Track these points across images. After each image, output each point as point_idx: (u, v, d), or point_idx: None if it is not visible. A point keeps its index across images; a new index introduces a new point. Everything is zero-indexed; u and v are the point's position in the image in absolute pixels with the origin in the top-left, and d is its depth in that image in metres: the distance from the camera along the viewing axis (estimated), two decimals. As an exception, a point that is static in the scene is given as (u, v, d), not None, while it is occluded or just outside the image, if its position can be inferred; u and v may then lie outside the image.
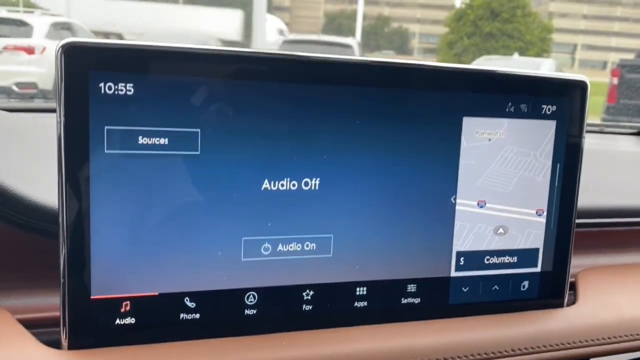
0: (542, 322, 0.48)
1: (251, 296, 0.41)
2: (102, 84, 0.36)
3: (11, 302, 0.43)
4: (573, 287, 0.54)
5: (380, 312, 0.44)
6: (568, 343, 0.47)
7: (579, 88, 0.47)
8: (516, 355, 0.45)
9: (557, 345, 0.47)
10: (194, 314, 0.40)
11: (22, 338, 0.38)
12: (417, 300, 0.45)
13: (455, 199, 0.45)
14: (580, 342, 0.47)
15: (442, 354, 0.43)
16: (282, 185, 0.41)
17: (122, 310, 0.39)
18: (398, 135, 0.43)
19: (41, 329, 0.40)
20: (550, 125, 0.47)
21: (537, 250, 0.48)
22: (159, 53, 0.37)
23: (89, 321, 0.38)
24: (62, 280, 0.37)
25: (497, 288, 0.48)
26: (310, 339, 0.41)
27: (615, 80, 4.43)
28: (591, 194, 0.62)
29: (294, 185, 0.41)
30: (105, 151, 0.37)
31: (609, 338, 0.48)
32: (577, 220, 0.49)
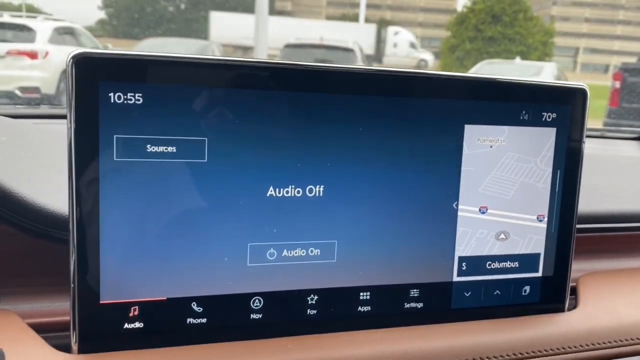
0: (543, 327, 0.48)
1: (257, 301, 0.42)
2: (111, 94, 0.37)
3: (22, 307, 0.44)
4: (574, 291, 0.55)
5: (383, 317, 0.45)
6: (569, 347, 0.47)
7: (579, 95, 0.48)
8: (518, 359, 0.46)
9: (558, 349, 0.47)
10: (201, 319, 0.41)
11: (33, 342, 0.38)
12: (419, 305, 0.46)
13: (457, 205, 0.46)
14: (581, 346, 0.48)
15: (444, 358, 0.44)
16: (287, 192, 0.41)
17: (131, 314, 0.39)
18: (401, 143, 0.44)
19: (51, 333, 0.41)
20: (551, 133, 0.48)
21: (538, 255, 0.49)
22: (166, 63, 0.38)
23: (98, 325, 0.39)
24: (71, 285, 0.38)
25: (499, 293, 0.48)
26: (315, 343, 0.42)
27: (617, 84, 4.43)
28: (592, 199, 0.62)
29: (298, 192, 0.42)
30: (115, 159, 0.38)
31: (609, 342, 0.49)
32: (578, 226, 0.50)
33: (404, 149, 0.44)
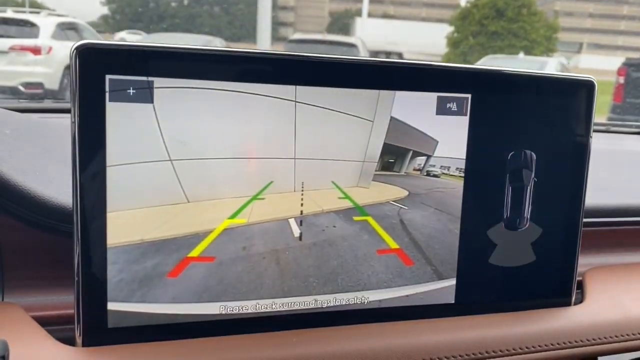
0: (549, 321, 0.48)
1: (262, 294, 0.42)
2: (117, 86, 0.36)
3: (26, 300, 0.44)
4: (580, 286, 0.54)
5: (388, 311, 0.45)
6: (575, 341, 0.47)
7: (587, 88, 0.48)
8: (524, 353, 0.45)
9: (564, 343, 0.47)
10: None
11: (37, 335, 0.38)
12: (424, 299, 0.46)
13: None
14: (587, 340, 0.48)
15: (449, 352, 0.43)
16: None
17: (135, 308, 0.39)
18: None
19: (56, 327, 0.40)
20: (559, 125, 0.47)
21: (544, 248, 0.49)
22: (173, 55, 0.38)
23: (103, 319, 0.39)
24: (76, 279, 0.38)
25: (504, 286, 0.48)
26: (319, 336, 0.42)
27: (622, 79, 4.42)
28: (598, 193, 0.62)
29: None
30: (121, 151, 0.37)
31: (615, 337, 0.49)
32: (585, 220, 0.49)
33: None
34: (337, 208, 0.42)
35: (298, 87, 0.40)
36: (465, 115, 0.44)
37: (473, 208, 0.46)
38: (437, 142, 0.44)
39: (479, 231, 0.46)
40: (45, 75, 4.72)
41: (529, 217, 0.47)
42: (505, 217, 0.47)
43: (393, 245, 0.44)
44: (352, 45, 7.49)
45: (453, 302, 0.47)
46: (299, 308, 0.42)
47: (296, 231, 0.42)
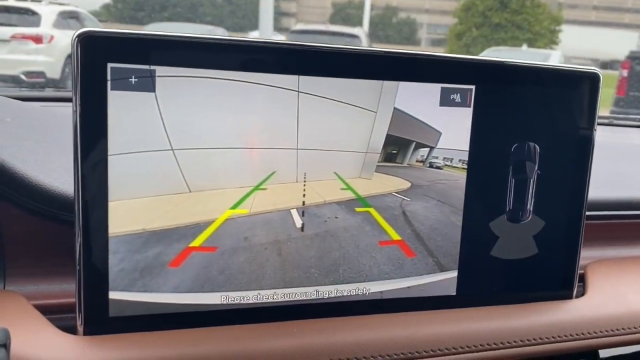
0: (550, 313, 0.48)
1: (263, 285, 0.42)
2: (119, 74, 0.36)
3: (28, 289, 0.44)
4: (582, 279, 0.54)
5: (389, 302, 0.45)
6: (576, 334, 0.47)
7: (591, 80, 0.47)
8: (525, 346, 0.45)
9: (565, 336, 0.47)
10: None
11: (38, 324, 0.38)
12: (425, 290, 0.46)
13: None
14: (588, 333, 0.48)
15: (450, 343, 0.43)
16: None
17: (137, 297, 0.39)
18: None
19: (57, 315, 0.40)
20: (562, 118, 0.47)
21: (547, 241, 0.49)
22: (176, 43, 0.37)
23: (104, 308, 0.39)
24: (77, 268, 0.38)
25: (506, 278, 0.48)
26: (321, 327, 0.42)
27: (625, 73, 4.40)
28: (601, 186, 0.61)
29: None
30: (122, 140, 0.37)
31: (617, 330, 0.49)
32: (587, 213, 0.49)
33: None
34: (339, 199, 0.42)
35: (301, 77, 0.40)
36: (469, 106, 0.44)
37: (475, 200, 0.46)
38: (440, 133, 0.44)
39: (481, 223, 0.46)
40: (46, 64, 4.70)
41: (531, 209, 0.47)
42: (507, 209, 0.47)
43: (395, 236, 0.44)
44: (354, 36, 7.46)
45: (454, 294, 0.47)
46: (300, 299, 0.42)
47: (298, 222, 0.41)
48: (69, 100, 0.36)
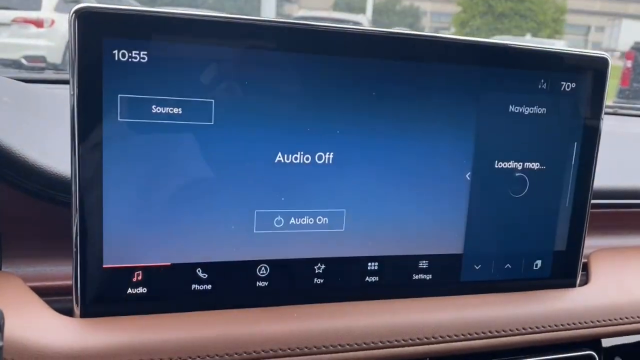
0: (554, 302, 0.47)
1: (263, 268, 0.41)
2: (115, 51, 0.35)
3: (24, 270, 0.43)
4: (585, 267, 0.54)
5: (391, 288, 0.44)
6: (580, 323, 0.47)
7: (599, 65, 0.46)
8: (527, 333, 0.45)
9: (568, 324, 0.46)
10: (206, 285, 0.40)
11: (34, 305, 0.38)
12: (428, 277, 0.45)
13: (470, 175, 0.45)
14: (591, 322, 0.47)
15: (452, 330, 0.43)
16: (296, 158, 0.40)
17: (134, 279, 0.39)
18: (414, 110, 0.42)
19: (54, 297, 0.40)
20: (569, 104, 0.46)
21: (551, 229, 0.48)
22: (173, 20, 0.36)
23: (101, 290, 0.38)
24: (74, 249, 0.37)
25: (510, 266, 0.47)
26: (321, 312, 0.41)
27: (629, 63, 4.37)
28: (605, 175, 0.61)
29: (307, 159, 0.40)
30: (119, 119, 0.36)
31: (620, 319, 0.48)
32: (592, 201, 0.48)
33: (416, 117, 0.42)
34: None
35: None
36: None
37: (481, 188, 0.45)
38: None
39: (487, 205, 0.46)
40: (48, 48, 4.66)
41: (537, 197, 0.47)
42: (512, 191, 0.46)
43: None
44: (357, 24, 7.42)
45: (458, 280, 0.46)
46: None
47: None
48: (68, 82, 0.35)
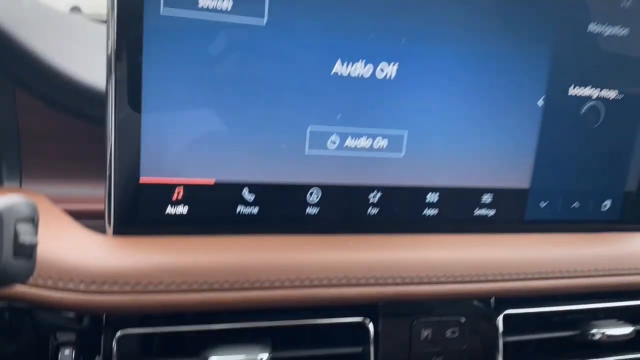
0: (622, 245, 0.43)
1: (314, 193, 0.37)
2: None
3: (46, 191, 0.39)
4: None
5: (450, 223, 0.40)
6: (649, 268, 0.43)
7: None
8: (596, 276, 0.41)
9: (636, 269, 0.42)
10: (252, 208, 0.36)
11: (62, 221, 0.34)
12: (491, 213, 0.41)
13: (543, 101, 0.40)
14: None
15: (514, 269, 0.39)
16: (356, 69, 0.36)
17: (174, 197, 0.34)
18: (488, 22, 0.37)
19: (86, 220, 0.36)
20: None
21: (623, 168, 0.44)
22: None
23: (136, 207, 0.34)
24: (108, 159, 0.33)
25: (577, 205, 0.43)
26: (376, 242, 0.37)
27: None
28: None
29: (368, 70, 0.36)
30: (161, 12, 0.32)
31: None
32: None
33: (490, 30, 0.38)
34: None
35: None
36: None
37: (553, 117, 0.40)
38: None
39: (558, 141, 0.41)
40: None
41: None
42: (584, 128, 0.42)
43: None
44: None
45: (522, 218, 0.42)
46: (354, 212, 0.38)
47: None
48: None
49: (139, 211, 0.34)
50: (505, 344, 0.39)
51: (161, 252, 0.32)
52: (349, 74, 0.36)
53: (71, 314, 0.32)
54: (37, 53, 0.38)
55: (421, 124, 0.38)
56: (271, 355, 0.34)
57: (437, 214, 0.40)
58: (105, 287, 0.30)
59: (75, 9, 1.00)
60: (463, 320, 0.39)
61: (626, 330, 0.43)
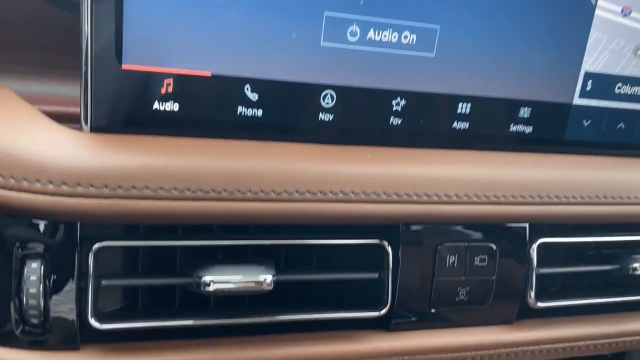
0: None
1: (328, 96, 0.32)
2: None
3: (28, 90, 0.33)
4: None
5: (483, 139, 0.35)
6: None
7: None
8: (632, 204, 0.36)
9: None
10: (255, 109, 0.30)
11: (30, 113, 0.28)
12: (528, 129, 0.36)
13: (595, 0, 0.34)
14: None
15: (553, 191, 0.34)
16: (384, -56, 0.30)
17: (163, 91, 0.29)
18: None
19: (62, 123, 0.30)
20: None
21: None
22: None
23: (118, 100, 0.28)
24: (84, 41, 0.27)
25: (623, 126, 0.38)
26: (399, 155, 0.32)
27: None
28: None
29: (399, -54, 0.30)
30: None
31: None
32: None
33: None
34: None
35: None
36: None
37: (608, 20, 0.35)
38: None
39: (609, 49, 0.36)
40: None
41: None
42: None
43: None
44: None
45: (562, 137, 0.37)
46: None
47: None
48: None
49: (121, 105, 0.28)
50: (538, 277, 0.35)
51: (147, 151, 0.27)
52: (375, -50, 0.30)
53: (40, 221, 0.27)
54: None
55: (457, 20, 0.32)
56: (275, 277, 0.29)
57: (469, 127, 0.35)
58: (79, 189, 0.25)
59: None
60: (494, 247, 0.34)
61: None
